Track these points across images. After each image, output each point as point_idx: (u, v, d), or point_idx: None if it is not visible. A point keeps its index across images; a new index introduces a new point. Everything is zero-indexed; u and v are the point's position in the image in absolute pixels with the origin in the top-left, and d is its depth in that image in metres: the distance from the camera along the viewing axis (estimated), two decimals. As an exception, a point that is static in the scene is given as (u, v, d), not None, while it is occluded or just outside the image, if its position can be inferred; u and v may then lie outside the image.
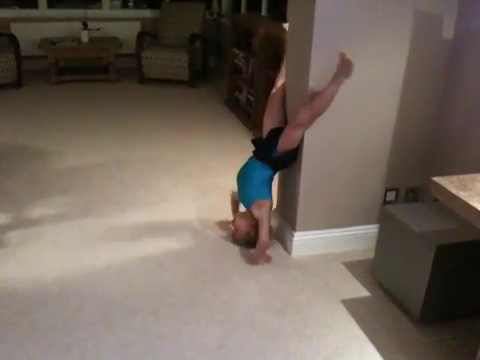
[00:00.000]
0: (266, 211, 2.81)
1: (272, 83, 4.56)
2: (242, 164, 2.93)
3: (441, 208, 2.47)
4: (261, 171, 2.81)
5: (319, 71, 2.52)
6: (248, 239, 2.89)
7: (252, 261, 2.81)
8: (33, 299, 2.49)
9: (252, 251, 2.87)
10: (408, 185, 2.97)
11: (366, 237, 2.93)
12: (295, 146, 2.68)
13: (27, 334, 2.26)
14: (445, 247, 2.21)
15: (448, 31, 2.64)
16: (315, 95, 2.53)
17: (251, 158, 2.90)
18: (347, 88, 2.58)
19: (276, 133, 2.72)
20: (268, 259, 2.84)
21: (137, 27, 7.01)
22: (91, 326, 2.32)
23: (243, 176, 2.91)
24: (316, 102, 2.53)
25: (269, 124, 2.82)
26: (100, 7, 7.14)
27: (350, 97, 2.62)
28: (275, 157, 2.74)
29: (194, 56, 6.33)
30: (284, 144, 2.68)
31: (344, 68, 2.45)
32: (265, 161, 2.79)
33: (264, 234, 2.78)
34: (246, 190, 2.90)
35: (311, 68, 2.51)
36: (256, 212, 2.82)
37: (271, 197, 2.86)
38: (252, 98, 5.04)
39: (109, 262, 2.80)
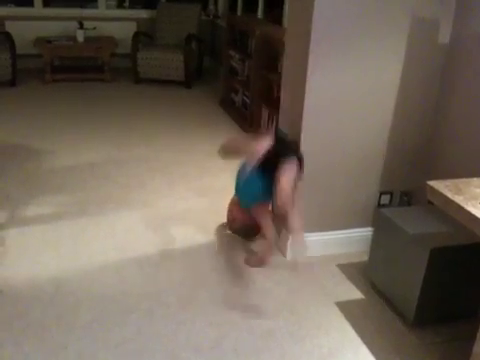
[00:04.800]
0: (266, 212, 2.74)
1: (268, 84, 4.61)
2: (237, 165, 2.86)
3: (435, 211, 2.49)
4: (259, 183, 2.68)
5: (316, 74, 2.54)
6: (246, 229, 2.86)
7: (249, 262, 2.74)
8: (28, 298, 2.48)
9: (253, 248, 2.79)
10: (402, 188, 2.99)
11: (361, 240, 2.95)
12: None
13: (23, 333, 2.26)
14: (439, 250, 2.23)
15: (444, 35, 2.67)
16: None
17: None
18: (343, 91, 2.61)
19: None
20: (262, 263, 2.76)
21: (133, 27, 7.01)
22: (87, 325, 2.32)
23: (244, 183, 2.78)
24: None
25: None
26: (96, 7, 7.13)
27: (346, 100, 2.64)
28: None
29: (190, 57, 6.33)
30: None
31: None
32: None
33: (269, 234, 2.67)
34: (245, 196, 2.82)
35: (308, 71, 2.53)
36: (256, 215, 2.74)
37: (270, 199, 2.77)
38: (248, 100, 5.06)
39: (104, 262, 2.81)
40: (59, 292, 2.54)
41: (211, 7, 7.34)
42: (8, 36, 6.08)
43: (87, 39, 6.49)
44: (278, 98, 3.09)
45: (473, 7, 2.54)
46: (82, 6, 6.86)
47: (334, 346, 2.29)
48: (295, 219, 2.60)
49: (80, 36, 6.43)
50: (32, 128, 4.81)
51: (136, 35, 6.55)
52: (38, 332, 2.27)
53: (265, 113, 4.66)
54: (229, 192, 3.11)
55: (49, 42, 6.35)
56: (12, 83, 6.07)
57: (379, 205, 2.95)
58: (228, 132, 4.95)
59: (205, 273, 2.75)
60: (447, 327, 2.41)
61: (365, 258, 2.77)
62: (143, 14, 7.25)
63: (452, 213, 1.79)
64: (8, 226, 3.12)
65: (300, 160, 2.61)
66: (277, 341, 2.29)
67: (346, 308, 2.53)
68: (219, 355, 2.20)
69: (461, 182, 1.90)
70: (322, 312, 2.50)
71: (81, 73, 6.61)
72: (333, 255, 2.94)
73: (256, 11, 6.07)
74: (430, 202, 1.96)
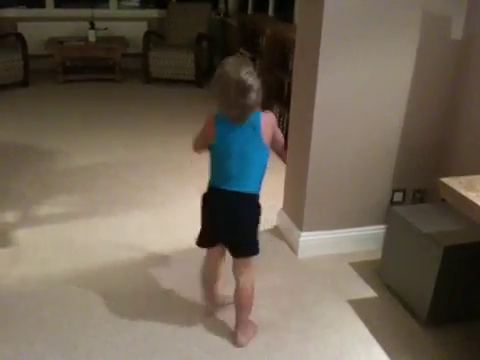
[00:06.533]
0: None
1: (279, 83, 4.60)
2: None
3: (448, 209, 2.46)
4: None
5: (327, 72, 2.52)
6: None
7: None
8: (40, 297, 2.50)
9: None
10: (415, 186, 2.96)
11: (373, 237, 2.92)
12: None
13: (35, 332, 2.27)
14: (453, 248, 2.20)
15: (457, 31, 2.63)
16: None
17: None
18: (355, 89, 2.59)
19: None
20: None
21: (144, 27, 7.01)
22: (98, 325, 2.33)
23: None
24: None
25: None
26: (107, 7, 7.16)
27: (358, 98, 2.62)
28: None
29: (200, 56, 6.33)
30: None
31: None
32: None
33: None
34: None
35: (319, 68, 2.51)
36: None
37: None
38: (258, 98, 5.04)
39: (116, 261, 2.81)
40: (70, 291, 2.55)
41: (221, 6, 7.32)
42: (20, 37, 6.12)
43: (98, 39, 6.50)
44: (289, 97, 3.07)
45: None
46: (93, 6, 6.89)
47: (346, 345, 2.27)
48: None
49: (91, 36, 6.45)
50: (45, 128, 4.84)
51: (147, 35, 6.56)
52: (50, 331, 2.28)
53: (276, 112, 4.64)
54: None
55: (61, 43, 6.38)
56: (24, 84, 6.11)
57: (392, 203, 2.93)
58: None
59: (216, 272, 2.74)
60: (461, 326, 2.38)
61: (378, 256, 2.74)
62: (154, 14, 7.26)
63: (465, 210, 1.77)
64: (21, 225, 3.14)
65: None
66: (289, 340, 2.28)
67: (359, 307, 2.51)
68: (230, 355, 2.19)
69: (474, 179, 1.88)
70: (334, 311, 2.48)
71: (93, 73, 6.62)
72: (346, 253, 2.92)
73: (267, 9, 6.05)
74: (443, 199, 1.94)
